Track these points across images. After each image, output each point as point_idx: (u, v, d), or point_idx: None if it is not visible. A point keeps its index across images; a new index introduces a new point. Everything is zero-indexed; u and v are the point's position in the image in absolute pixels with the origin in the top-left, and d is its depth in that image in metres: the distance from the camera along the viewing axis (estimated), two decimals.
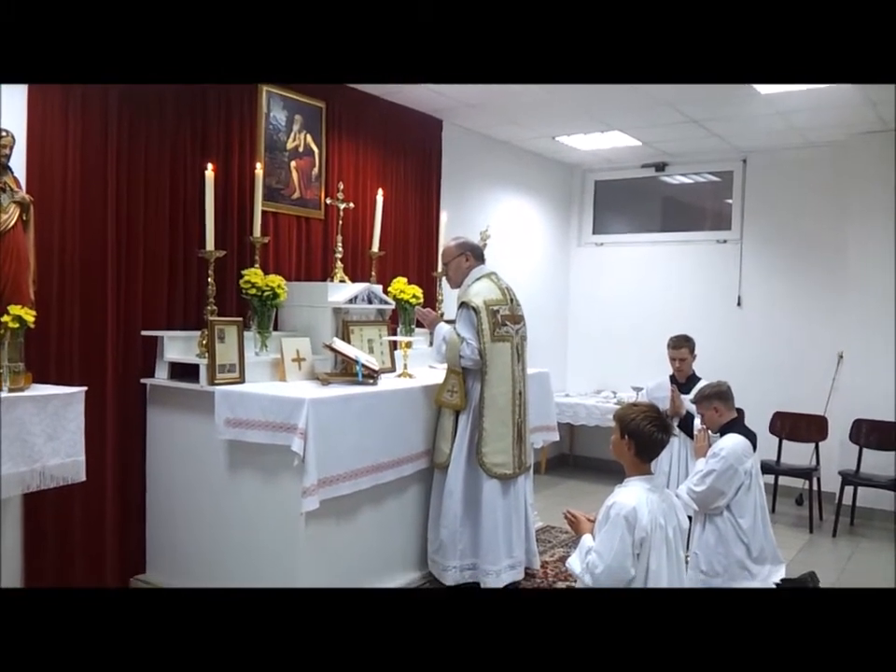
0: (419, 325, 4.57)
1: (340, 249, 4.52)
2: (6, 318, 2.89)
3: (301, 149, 4.68)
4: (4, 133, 3.03)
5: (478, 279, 3.99)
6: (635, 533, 2.51)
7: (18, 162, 3.21)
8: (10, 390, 2.86)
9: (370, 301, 4.41)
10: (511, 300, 4.01)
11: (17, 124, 3.26)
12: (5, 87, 3.26)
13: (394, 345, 4.51)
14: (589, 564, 2.56)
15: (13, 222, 3.00)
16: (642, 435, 2.63)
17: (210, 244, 3.75)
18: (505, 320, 3.91)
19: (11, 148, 3.07)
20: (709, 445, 3.76)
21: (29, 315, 2.93)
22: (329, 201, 4.65)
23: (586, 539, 2.68)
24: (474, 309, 3.83)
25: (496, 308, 3.88)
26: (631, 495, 2.59)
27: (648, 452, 2.67)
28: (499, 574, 3.82)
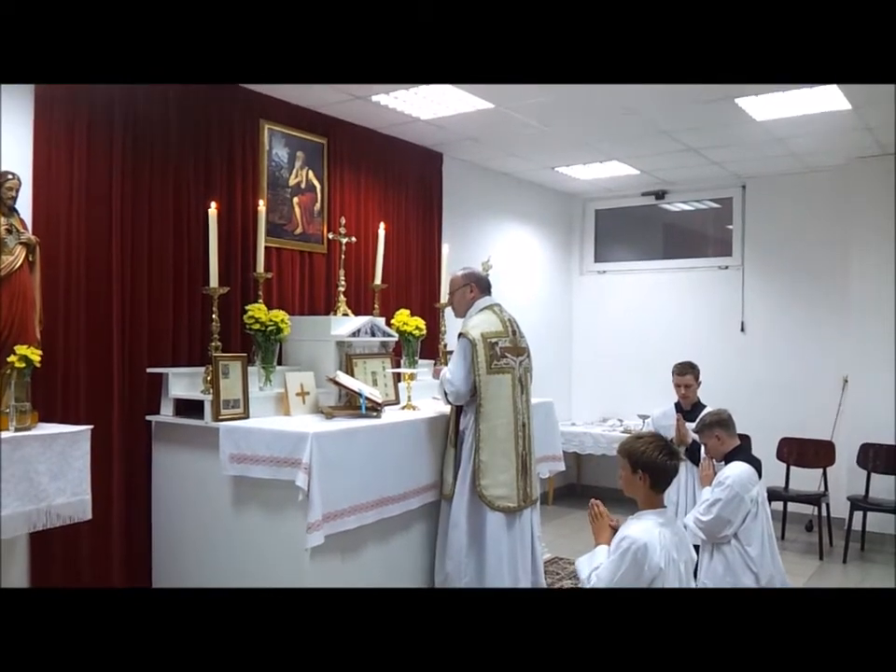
0: (423, 357, 4.59)
1: (343, 283, 4.55)
2: (12, 358, 2.91)
3: (303, 185, 4.74)
4: (10, 176, 3.08)
5: (480, 310, 4.01)
6: (644, 571, 2.47)
7: (24, 204, 3.27)
8: (17, 429, 2.88)
9: (373, 334, 4.43)
10: (514, 332, 4.02)
11: (23, 166, 3.32)
12: (12, 129, 3.33)
13: (398, 377, 4.52)
14: (591, 580, 2.59)
15: (19, 263, 3.05)
16: (656, 466, 2.59)
17: (214, 280, 3.79)
18: (505, 352, 3.91)
19: (17, 191, 3.12)
20: (715, 473, 3.75)
21: (35, 355, 2.96)
22: (331, 235, 4.69)
23: (599, 551, 2.67)
24: (471, 341, 3.85)
25: (494, 340, 3.89)
26: (643, 530, 2.54)
27: (662, 482, 2.63)
28: None
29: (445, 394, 3.87)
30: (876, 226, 5.86)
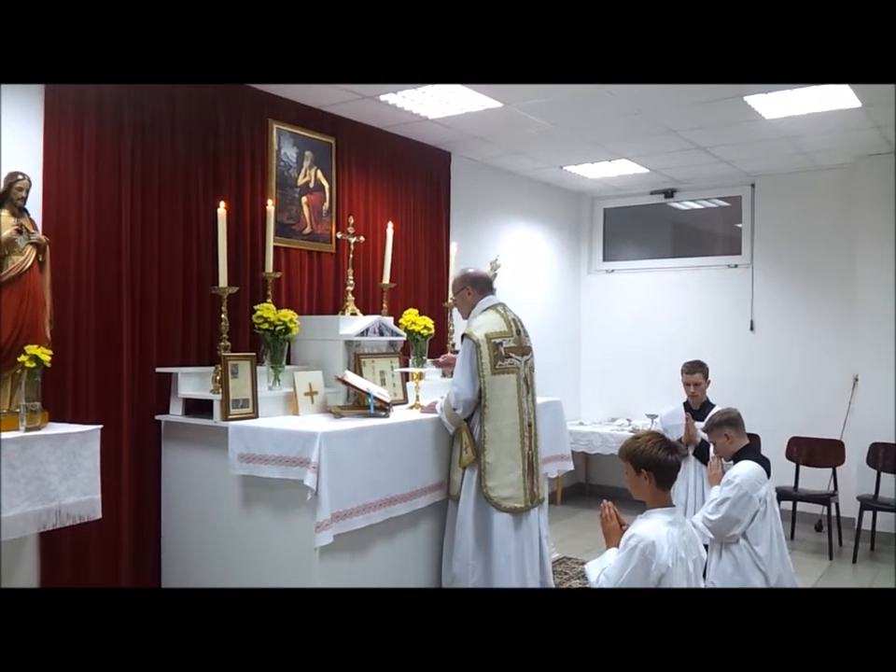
0: (431, 357, 4.58)
1: (351, 282, 4.56)
2: (23, 358, 2.93)
3: (311, 185, 4.75)
4: (20, 177, 3.09)
5: (484, 311, 3.98)
6: (652, 569, 2.48)
7: (34, 204, 3.27)
8: (27, 429, 2.89)
9: (381, 334, 4.43)
10: (519, 331, 3.99)
11: (33, 167, 3.33)
12: (22, 129, 3.35)
13: (406, 377, 4.52)
14: (599, 580, 2.60)
15: (30, 263, 3.05)
16: (658, 462, 2.60)
17: (223, 280, 3.80)
18: (510, 352, 3.88)
19: (28, 191, 3.12)
20: (724, 472, 3.75)
21: (45, 355, 2.98)
22: (339, 235, 4.70)
23: (609, 554, 2.69)
24: (475, 342, 3.83)
25: (498, 341, 3.86)
26: (651, 528, 2.55)
27: (667, 478, 2.65)
28: None
29: (453, 409, 3.81)
30: (885, 224, 5.82)
